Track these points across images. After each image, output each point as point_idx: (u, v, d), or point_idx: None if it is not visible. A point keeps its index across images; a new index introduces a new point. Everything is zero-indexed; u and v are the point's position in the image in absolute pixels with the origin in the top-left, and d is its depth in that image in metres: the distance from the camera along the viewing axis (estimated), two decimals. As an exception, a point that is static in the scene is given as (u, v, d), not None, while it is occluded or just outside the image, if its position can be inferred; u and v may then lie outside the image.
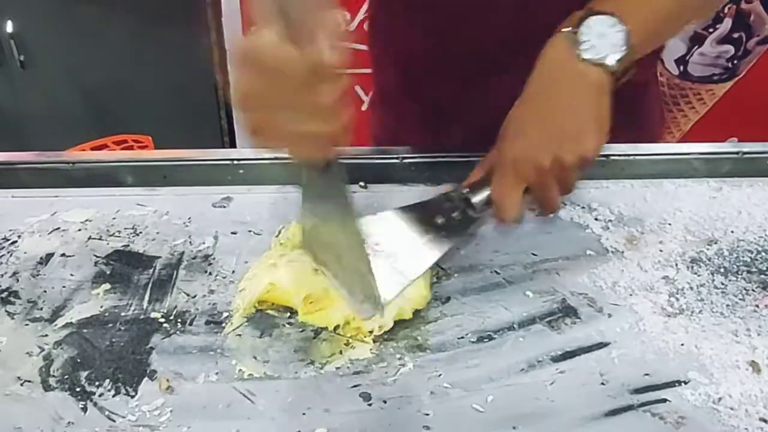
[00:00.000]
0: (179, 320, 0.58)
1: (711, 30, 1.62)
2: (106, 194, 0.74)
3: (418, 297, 0.59)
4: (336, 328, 0.57)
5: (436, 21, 0.75)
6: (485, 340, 0.57)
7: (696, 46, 1.66)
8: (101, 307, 0.60)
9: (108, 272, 0.63)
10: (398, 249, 0.60)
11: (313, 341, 0.56)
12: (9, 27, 1.71)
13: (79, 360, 0.54)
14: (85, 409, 0.50)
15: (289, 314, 0.59)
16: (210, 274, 0.63)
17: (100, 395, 0.51)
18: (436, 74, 0.80)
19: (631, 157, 0.77)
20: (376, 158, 0.75)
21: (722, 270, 0.64)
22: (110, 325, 0.58)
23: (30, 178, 0.75)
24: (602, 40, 0.55)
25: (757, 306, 0.60)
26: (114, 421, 0.50)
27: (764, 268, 0.64)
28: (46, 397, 0.51)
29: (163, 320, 0.58)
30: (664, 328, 0.58)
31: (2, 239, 0.67)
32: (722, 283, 0.63)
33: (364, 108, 1.47)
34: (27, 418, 0.50)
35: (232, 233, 0.68)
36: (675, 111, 1.77)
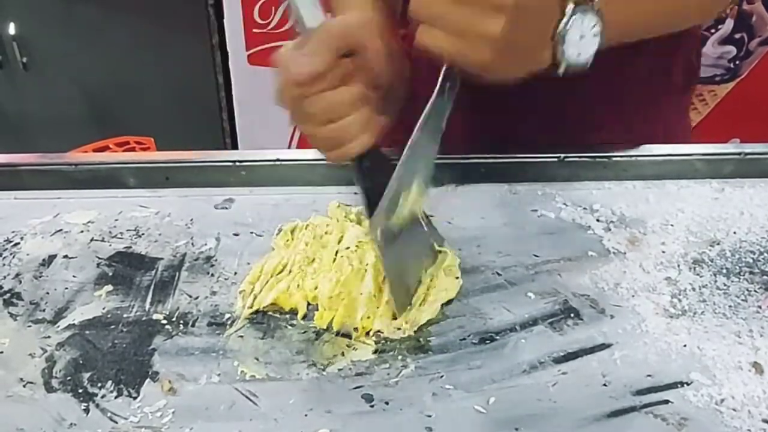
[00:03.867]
0: (181, 322, 0.58)
1: (713, 31, 1.62)
2: (108, 196, 0.74)
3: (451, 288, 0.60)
4: (356, 329, 0.57)
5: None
6: (487, 341, 0.57)
7: (698, 47, 1.66)
8: (103, 308, 0.60)
9: (110, 274, 0.64)
10: None
11: (315, 343, 0.56)
12: (12, 29, 1.72)
13: (81, 361, 0.54)
14: (87, 410, 0.50)
15: (290, 316, 0.59)
16: (212, 275, 0.63)
17: (103, 396, 0.52)
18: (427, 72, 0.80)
19: (633, 158, 0.77)
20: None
21: (725, 271, 0.64)
22: (112, 326, 0.58)
23: (32, 179, 0.75)
24: (579, 44, 0.53)
25: (760, 307, 0.60)
26: (116, 422, 0.50)
27: (767, 269, 0.64)
28: (49, 399, 0.51)
29: (165, 322, 0.58)
30: (667, 329, 0.58)
31: (5, 241, 0.67)
32: (725, 284, 0.63)
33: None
34: (29, 420, 0.50)
35: (234, 235, 0.68)
36: (677, 112, 1.77)
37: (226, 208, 0.73)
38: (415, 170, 0.58)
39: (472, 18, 0.49)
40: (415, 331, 0.57)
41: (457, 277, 0.61)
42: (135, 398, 0.51)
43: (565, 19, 0.51)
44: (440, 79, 0.54)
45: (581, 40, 0.52)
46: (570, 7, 0.51)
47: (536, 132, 0.76)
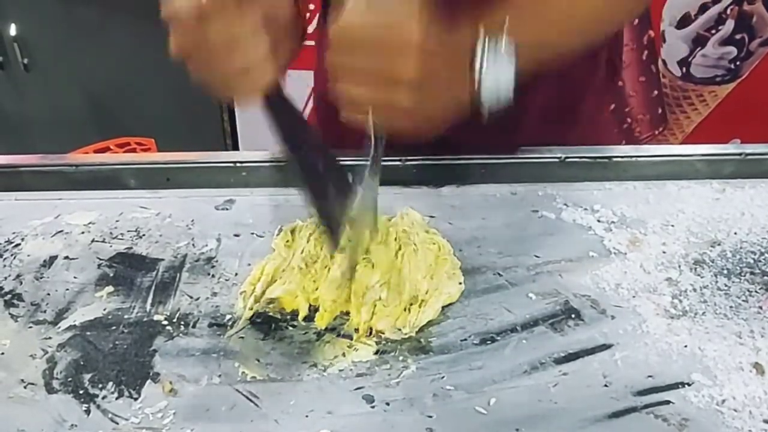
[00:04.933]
0: (182, 323, 0.58)
1: (714, 32, 1.62)
2: (109, 197, 0.74)
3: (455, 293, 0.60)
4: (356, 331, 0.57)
5: None
6: (488, 342, 0.57)
7: (698, 48, 1.66)
8: (104, 309, 0.60)
9: (111, 275, 0.64)
10: None
11: (316, 343, 0.56)
12: (13, 30, 1.72)
13: (82, 362, 0.54)
14: (88, 411, 0.51)
15: (291, 317, 0.59)
16: (213, 276, 0.63)
17: (104, 398, 0.52)
18: None
19: (634, 159, 0.77)
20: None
21: (725, 272, 0.64)
22: (113, 327, 0.58)
23: (33, 180, 0.75)
24: (496, 83, 0.53)
25: (761, 308, 0.60)
26: (117, 423, 0.50)
27: (767, 270, 0.64)
28: (50, 400, 0.51)
29: (166, 323, 0.58)
30: (668, 329, 0.58)
31: (6, 242, 0.67)
32: (725, 285, 0.62)
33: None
34: (30, 421, 0.50)
35: (235, 236, 0.68)
36: (678, 113, 1.77)
37: (227, 209, 0.73)
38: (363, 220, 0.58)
39: (384, 64, 0.50)
40: (416, 332, 0.57)
41: (460, 282, 0.61)
42: (136, 399, 0.51)
43: (478, 58, 0.52)
44: (370, 141, 0.54)
45: (498, 82, 0.53)
46: (480, 43, 0.52)
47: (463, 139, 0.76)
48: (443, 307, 0.59)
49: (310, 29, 1.50)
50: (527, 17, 0.57)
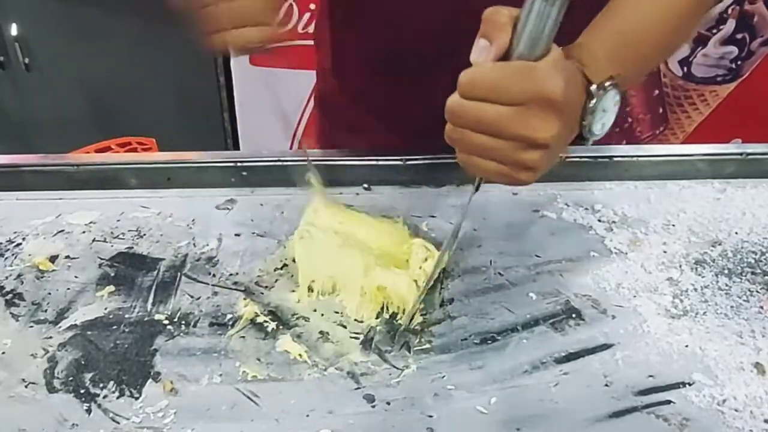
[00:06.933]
0: (183, 322, 0.58)
1: (714, 31, 1.62)
2: (110, 196, 0.74)
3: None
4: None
5: (371, 23, 0.76)
6: (489, 341, 0.57)
7: (699, 48, 1.66)
8: (105, 309, 0.60)
9: (112, 274, 0.64)
10: None
11: (317, 343, 0.56)
12: (14, 30, 1.72)
13: (83, 362, 0.54)
14: (89, 410, 0.51)
15: (292, 316, 0.59)
16: (214, 276, 0.63)
17: (104, 397, 0.52)
18: (371, 76, 0.80)
19: (635, 159, 0.76)
20: (379, 160, 0.75)
21: (726, 271, 0.64)
22: (114, 327, 0.58)
23: (34, 180, 0.75)
24: (602, 118, 0.52)
25: (762, 307, 0.60)
26: (118, 422, 0.50)
27: (768, 270, 0.64)
28: (51, 399, 0.52)
29: (167, 322, 0.58)
30: (668, 329, 0.58)
31: (7, 241, 0.68)
32: (726, 285, 0.62)
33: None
34: (31, 420, 0.50)
35: (236, 235, 0.68)
36: (679, 112, 1.77)
37: (228, 208, 0.73)
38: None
39: (511, 151, 0.49)
40: (417, 332, 0.57)
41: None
42: (137, 399, 0.51)
43: (591, 108, 0.50)
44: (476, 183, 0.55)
45: (604, 114, 0.51)
46: (593, 101, 0.50)
47: None
48: (443, 306, 0.59)
49: (311, 29, 1.52)
50: (630, 65, 0.55)
